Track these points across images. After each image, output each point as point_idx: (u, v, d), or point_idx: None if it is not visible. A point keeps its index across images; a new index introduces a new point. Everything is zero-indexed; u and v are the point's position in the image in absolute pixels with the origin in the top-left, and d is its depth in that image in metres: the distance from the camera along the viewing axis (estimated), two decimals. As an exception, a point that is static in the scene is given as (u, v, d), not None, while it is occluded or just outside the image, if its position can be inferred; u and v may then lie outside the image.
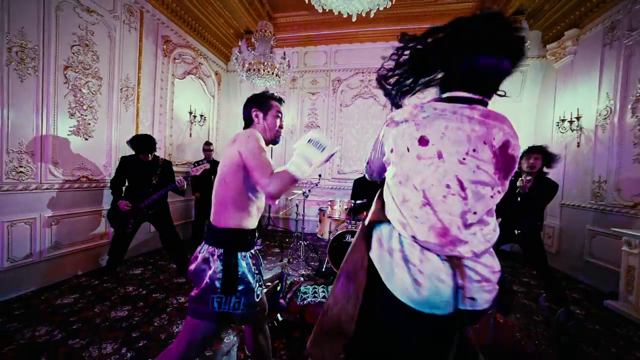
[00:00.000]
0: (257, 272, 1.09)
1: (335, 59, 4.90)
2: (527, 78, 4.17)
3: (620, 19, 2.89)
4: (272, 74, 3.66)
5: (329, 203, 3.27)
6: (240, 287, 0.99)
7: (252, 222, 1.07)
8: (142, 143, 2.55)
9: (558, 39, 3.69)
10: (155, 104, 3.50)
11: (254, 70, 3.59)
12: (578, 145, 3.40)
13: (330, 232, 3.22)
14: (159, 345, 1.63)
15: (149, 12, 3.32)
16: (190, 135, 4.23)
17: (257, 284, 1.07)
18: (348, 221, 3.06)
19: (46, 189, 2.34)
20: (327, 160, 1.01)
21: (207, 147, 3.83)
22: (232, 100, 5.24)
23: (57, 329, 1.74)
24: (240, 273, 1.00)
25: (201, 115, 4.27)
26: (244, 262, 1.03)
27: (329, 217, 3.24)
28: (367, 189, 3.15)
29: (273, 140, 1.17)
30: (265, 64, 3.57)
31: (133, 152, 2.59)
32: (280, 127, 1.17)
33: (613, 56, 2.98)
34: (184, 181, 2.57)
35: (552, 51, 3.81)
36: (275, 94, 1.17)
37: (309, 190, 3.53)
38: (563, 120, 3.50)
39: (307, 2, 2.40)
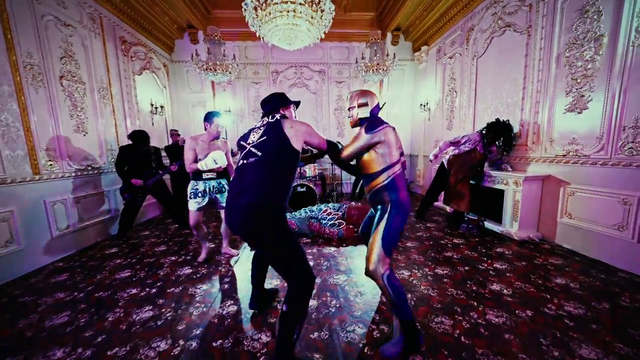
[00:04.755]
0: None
1: (272, 54, 5.94)
2: (405, 74, 6.23)
3: (441, 46, 5.00)
4: (225, 72, 4.59)
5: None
6: None
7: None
8: (142, 136, 3.38)
9: (419, 50, 5.73)
10: (124, 100, 4.05)
11: (211, 69, 4.45)
12: (429, 119, 5.66)
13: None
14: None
15: (106, 16, 3.74)
16: (152, 124, 4.83)
17: None
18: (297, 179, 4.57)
19: (68, 176, 3.02)
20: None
21: (175, 132, 4.68)
22: (180, 89, 5.77)
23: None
24: None
25: (161, 107, 4.87)
26: None
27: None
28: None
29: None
30: (220, 64, 4.46)
31: (128, 143, 3.38)
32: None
33: (440, 67, 5.13)
34: (177, 166, 3.51)
35: (417, 57, 5.88)
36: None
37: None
38: (422, 104, 5.68)
39: (257, 35, 3.45)
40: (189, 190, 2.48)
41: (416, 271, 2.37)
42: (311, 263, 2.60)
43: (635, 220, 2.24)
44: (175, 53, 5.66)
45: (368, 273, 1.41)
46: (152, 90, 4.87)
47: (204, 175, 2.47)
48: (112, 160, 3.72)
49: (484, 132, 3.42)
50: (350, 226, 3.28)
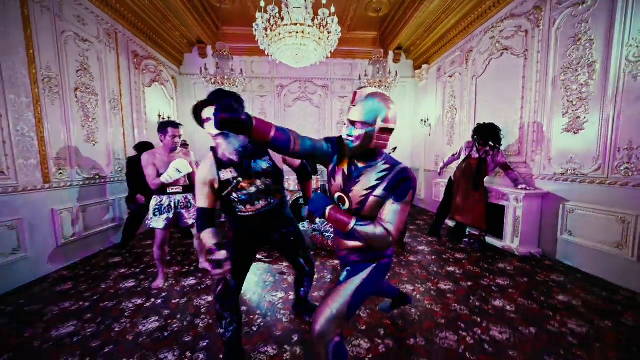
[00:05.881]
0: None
1: (277, 69, 6.14)
2: (406, 91, 6.42)
3: (441, 65, 5.20)
4: (232, 85, 4.74)
5: (285, 180, 4.74)
6: None
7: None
8: (147, 148, 3.45)
9: (420, 68, 5.95)
10: (133, 111, 4.17)
11: (218, 83, 4.60)
12: (429, 135, 5.79)
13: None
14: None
15: (121, 32, 3.91)
16: (159, 135, 4.92)
17: None
18: (299, 191, 4.63)
19: (75, 185, 3.07)
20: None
21: (184, 142, 4.77)
22: (186, 100, 5.92)
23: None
24: None
25: (168, 117, 4.98)
26: None
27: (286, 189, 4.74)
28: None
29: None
30: (227, 79, 4.62)
31: (134, 153, 3.45)
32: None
33: (440, 85, 5.31)
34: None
35: (418, 75, 6.08)
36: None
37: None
38: (422, 120, 5.83)
39: (266, 53, 3.58)
40: (152, 207, 2.33)
41: (419, 286, 2.39)
42: (316, 276, 2.61)
43: (634, 239, 2.29)
44: (183, 66, 5.85)
45: (313, 336, 1.03)
46: (161, 101, 5.00)
47: (169, 190, 2.34)
48: (119, 169, 3.79)
49: (474, 137, 3.42)
50: (353, 239, 3.31)
